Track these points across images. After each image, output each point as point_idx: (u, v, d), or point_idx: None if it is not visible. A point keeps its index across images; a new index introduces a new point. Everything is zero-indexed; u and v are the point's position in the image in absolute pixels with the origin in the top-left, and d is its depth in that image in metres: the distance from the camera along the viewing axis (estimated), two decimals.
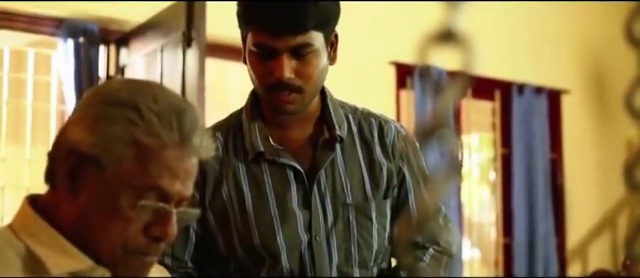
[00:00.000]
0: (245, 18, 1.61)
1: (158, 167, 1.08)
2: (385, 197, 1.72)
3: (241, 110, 1.73)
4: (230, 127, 1.71)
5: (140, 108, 1.09)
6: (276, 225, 1.64)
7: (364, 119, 1.75)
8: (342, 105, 1.75)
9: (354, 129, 1.72)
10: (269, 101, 1.63)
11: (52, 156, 1.14)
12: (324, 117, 1.69)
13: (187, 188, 1.13)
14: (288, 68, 1.56)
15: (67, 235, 1.11)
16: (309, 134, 1.69)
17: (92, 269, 1.11)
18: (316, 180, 1.65)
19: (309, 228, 1.64)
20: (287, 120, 1.67)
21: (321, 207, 1.65)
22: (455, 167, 0.50)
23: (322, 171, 1.66)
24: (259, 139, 1.65)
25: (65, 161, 1.10)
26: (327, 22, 1.59)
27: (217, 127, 1.72)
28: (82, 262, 1.10)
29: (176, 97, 1.16)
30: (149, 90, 1.13)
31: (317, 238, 1.64)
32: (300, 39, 1.55)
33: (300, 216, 1.64)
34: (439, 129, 0.45)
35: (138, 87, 1.13)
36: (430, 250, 1.76)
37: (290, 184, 1.65)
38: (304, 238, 1.64)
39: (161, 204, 1.10)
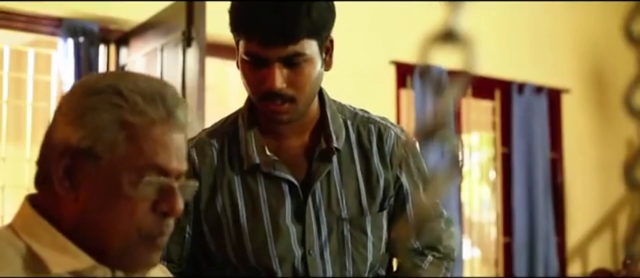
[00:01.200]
0: (236, 27, 1.56)
1: (151, 145, 1.09)
2: (381, 209, 1.68)
3: (236, 115, 1.69)
4: (226, 134, 1.67)
5: (122, 91, 1.09)
6: (270, 240, 1.61)
7: (363, 125, 1.70)
8: (342, 110, 1.70)
9: (353, 136, 1.68)
10: (262, 111, 1.59)
11: (43, 161, 1.13)
12: (322, 126, 1.65)
13: (182, 163, 1.14)
14: (279, 78, 1.51)
15: (71, 235, 1.11)
16: (306, 142, 1.65)
17: (93, 268, 1.11)
18: (311, 192, 1.62)
19: (302, 242, 1.62)
20: (284, 129, 1.63)
21: (315, 221, 1.62)
22: (455, 167, 0.50)
23: (318, 184, 1.62)
24: (255, 149, 1.61)
25: (59, 161, 1.09)
26: (320, 29, 1.54)
27: (212, 132, 1.69)
28: (83, 261, 1.10)
29: (154, 79, 1.17)
30: (127, 76, 1.15)
31: (311, 252, 1.62)
32: (291, 49, 1.50)
33: (293, 230, 1.61)
34: (439, 129, 0.45)
35: (116, 75, 1.16)
36: (429, 257, 1.73)
37: (285, 198, 1.61)
38: (298, 252, 1.61)
39: (163, 178, 1.11)
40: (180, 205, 1.13)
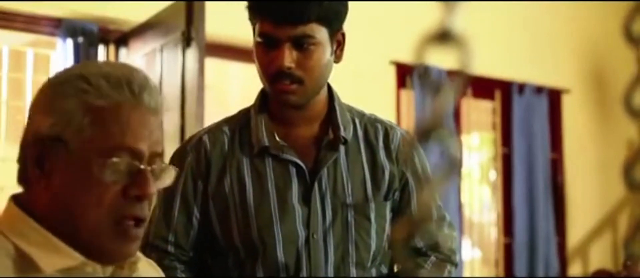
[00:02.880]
0: (252, 8, 1.65)
1: (118, 127, 1.09)
2: (385, 199, 1.73)
3: (250, 107, 1.76)
4: (238, 123, 1.74)
5: (87, 76, 1.10)
6: (275, 219, 1.65)
7: (370, 124, 1.77)
8: (350, 109, 1.77)
9: (360, 133, 1.74)
10: (272, 92, 1.66)
11: (21, 157, 1.14)
12: (330, 118, 1.71)
13: (157, 145, 1.13)
14: (288, 57, 1.59)
15: (49, 226, 1.10)
16: (315, 133, 1.71)
17: (83, 264, 1.10)
18: (317, 178, 1.67)
19: (307, 225, 1.66)
20: (293, 117, 1.69)
21: (320, 205, 1.67)
22: (453, 167, 0.49)
23: (325, 170, 1.68)
24: (264, 134, 1.68)
25: (31, 151, 1.10)
26: (330, 17, 1.62)
27: (225, 121, 1.76)
28: (73, 258, 1.09)
29: (123, 64, 1.18)
30: (95, 63, 1.19)
31: (315, 236, 1.66)
32: (300, 30, 1.59)
33: (299, 212, 1.66)
34: (436, 129, 0.44)
35: (84, 64, 1.17)
36: (432, 257, 1.77)
37: (292, 180, 1.67)
38: (302, 234, 1.66)
39: (131, 160, 1.09)
40: (151, 187, 1.11)
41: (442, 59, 0.53)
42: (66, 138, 1.08)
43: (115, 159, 1.08)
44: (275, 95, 1.65)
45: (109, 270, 1.14)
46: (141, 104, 1.11)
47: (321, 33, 1.62)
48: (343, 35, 1.69)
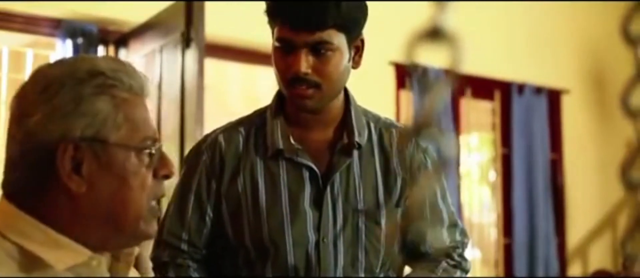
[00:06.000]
0: (271, 12, 1.66)
1: (142, 117, 1.13)
2: (397, 205, 1.73)
3: (266, 108, 1.77)
4: (253, 123, 1.75)
5: (106, 72, 1.10)
6: (286, 221, 1.66)
7: (385, 128, 1.77)
8: (365, 113, 1.78)
9: (374, 137, 1.75)
10: (289, 96, 1.67)
11: (23, 165, 1.08)
12: (346, 123, 1.72)
13: None
14: (305, 63, 1.60)
15: (82, 229, 1.08)
16: (329, 137, 1.72)
17: (90, 258, 1.10)
18: (330, 182, 1.68)
19: (317, 228, 1.67)
20: (309, 121, 1.70)
21: (332, 210, 1.68)
22: (445, 165, 0.49)
23: (337, 175, 1.68)
24: (279, 136, 1.69)
25: (62, 157, 1.05)
26: (349, 23, 1.63)
27: (240, 122, 1.78)
28: (80, 253, 1.08)
29: (111, 57, 1.25)
30: (88, 58, 1.16)
31: (325, 240, 1.67)
32: (318, 36, 1.60)
33: (310, 216, 1.67)
34: (426, 128, 0.44)
35: (81, 60, 1.15)
36: (443, 263, 1.78)
37: (305, 184, 1.68)
38: (312, 238, 1.67)
39: (160, 146, 1.15)
40: (174, 166, 1.18)
41: (434, 57, 0.53)
42: (104, 136, 1.08)
43: (152, 149, 1.12)
44: (292, 99, 1.66)
45: (106, 262, 1.15)
46: (145, 90, 1.15)
47: (339, 39, 1.62)
48: (362, 41, 1.71)
